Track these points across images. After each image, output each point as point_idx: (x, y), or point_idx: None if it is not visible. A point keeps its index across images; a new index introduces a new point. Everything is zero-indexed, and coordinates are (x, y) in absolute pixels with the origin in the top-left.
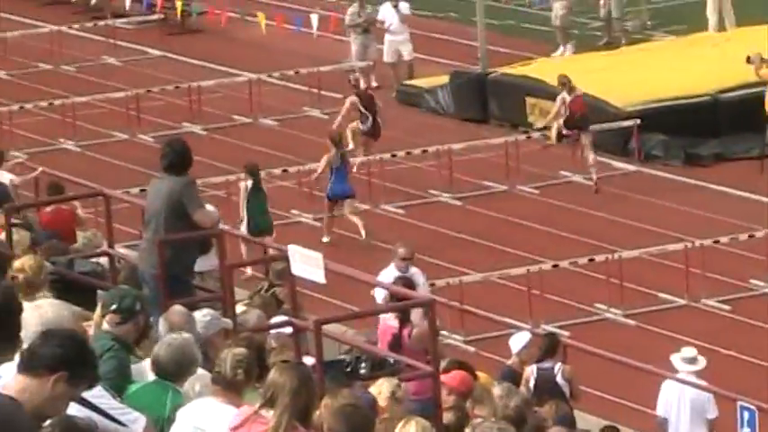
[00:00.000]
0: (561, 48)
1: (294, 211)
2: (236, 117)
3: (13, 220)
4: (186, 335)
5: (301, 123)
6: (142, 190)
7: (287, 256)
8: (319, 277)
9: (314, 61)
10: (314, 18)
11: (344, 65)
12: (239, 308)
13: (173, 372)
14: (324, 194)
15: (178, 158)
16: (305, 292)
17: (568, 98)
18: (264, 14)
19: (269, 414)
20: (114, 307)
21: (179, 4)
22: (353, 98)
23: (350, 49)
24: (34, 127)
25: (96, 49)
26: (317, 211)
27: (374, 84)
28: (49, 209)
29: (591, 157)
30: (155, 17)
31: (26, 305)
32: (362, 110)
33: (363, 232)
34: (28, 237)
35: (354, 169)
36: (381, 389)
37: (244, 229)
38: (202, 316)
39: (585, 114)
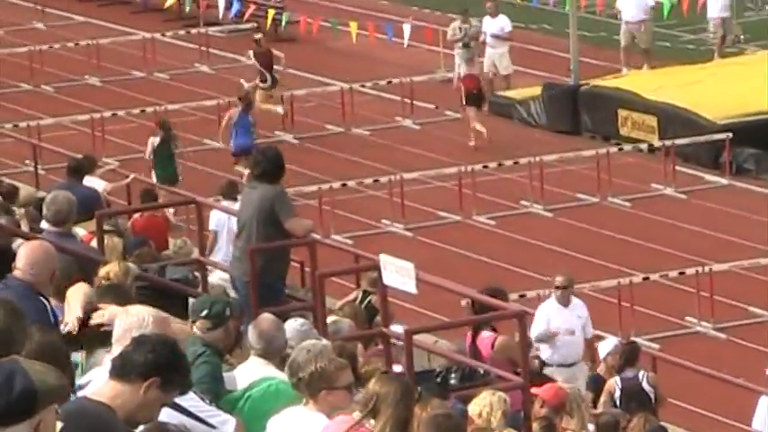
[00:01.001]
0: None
1: (385, 221)
2: (328, 126)
3: (106, 227)
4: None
5: (393, 133)
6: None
7: (378, 265)
8: (411, 287)
9: (406, 71)
10: (406, 28)
11: (437, 75)
12: (331, 317)
13: None
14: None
15: (271, 167)
16: (395, 301)
17: (462, 72)
18: (357, 23)
19: (370, 424)
20: (204, 313)
21: (270, 13)
22: (252, 58)
23: (441, 59)
24: (126, 134)
25: (189, 56)
26: (408, 221)
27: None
28: (141, 216)
29: (478, 126)
30: (247, 25)
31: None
32: (261, 69)
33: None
34: (120, 243)
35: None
36: (488, 402)
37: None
38: (299, 325)
39: (481, 90)
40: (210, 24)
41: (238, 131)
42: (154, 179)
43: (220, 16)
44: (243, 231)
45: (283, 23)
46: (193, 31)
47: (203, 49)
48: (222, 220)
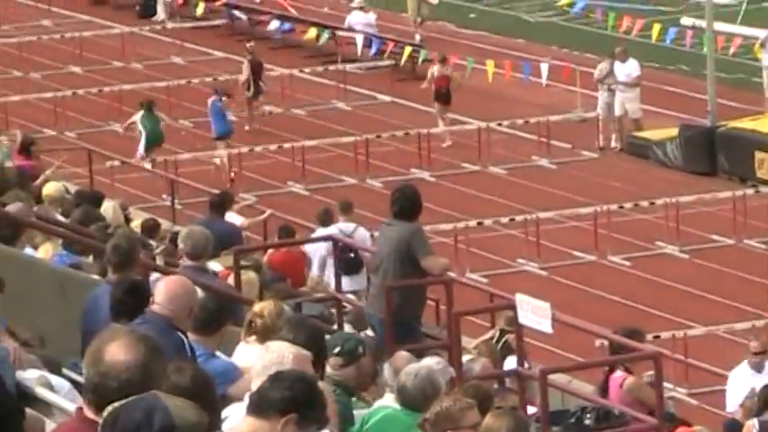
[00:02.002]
0: None
1: (520, 260)
2: (464, 164)
3: (243, 263)
4: (431, 363)
5: (530, 172)
6: (371, 235)
7: (514, 305)
8: (546, 327)
9: (543, 110)
10: (544, 67)
11: (574, 115)
12: (466, 356)
13: (419, 401)
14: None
15: (409, 205)
16: (530, 341)
17: (437, 72)
18: (493, 62)
19: None
20: (337, 350)
21: (407, 50)
22: (246, 65)
23: (578, 98)
24: (264, 169)
25: (327, 93)
26: (543, 260)
27: (615, 144)
28: (278, 251)
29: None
30: (385, 63)
31: (258, 348)
32: (250, 77)
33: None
34: (257, 279)
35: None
36: None
37: (142, 148)
38: (435, 364)
39: (449, 90)
40: (349, 61)
41: (214, 119)
42: (142, 147)
43: (358, 53)
44: (380, 268)
45: (420, 61)
46: (331, 67)
47: (341, 85)
48: (314, 248)
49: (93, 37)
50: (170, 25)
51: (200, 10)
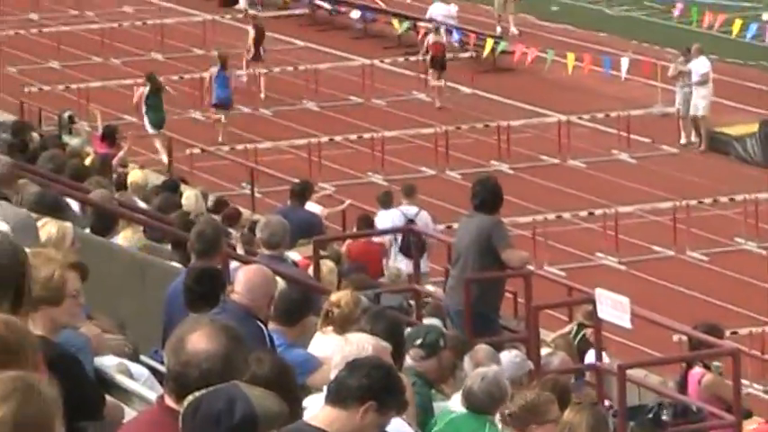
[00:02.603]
0: None
1: (599, 254)
2: (544, 157)
3: (321, 252)
4: (496, 367)
5: (609, 166)
6: (448, 227)
7: (593, 299)
8: (626, 322)
9: (623, 104)
10: (624, 61)
11: (654, 110)
12: (544, 350)
13: (487, 404)
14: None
15: (490, 197)
16: (608, 335)
17: (431, 41)
18: (574, 55)
19: None
20: (418, 342)
21: (489, 42)
22: (252, 31)
23: (659, 93)
24: (343, 159)
25: (407, 83)
26: (622, 254)
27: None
28: (356, 242)
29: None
30: (466, 54)
31: (335, 338)
32: (252, 42)
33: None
34: (335, 269)
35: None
36: None
37: (147, 125)
38: (513, 357)
39: (444, 57)
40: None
41: (218, 85)
42: (146, 124)
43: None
44: (459, 260)
45: (497, 52)
46: (412, 58)
47: (421, 76)
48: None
49: (174, 24)
50: (251, 12)
51: None
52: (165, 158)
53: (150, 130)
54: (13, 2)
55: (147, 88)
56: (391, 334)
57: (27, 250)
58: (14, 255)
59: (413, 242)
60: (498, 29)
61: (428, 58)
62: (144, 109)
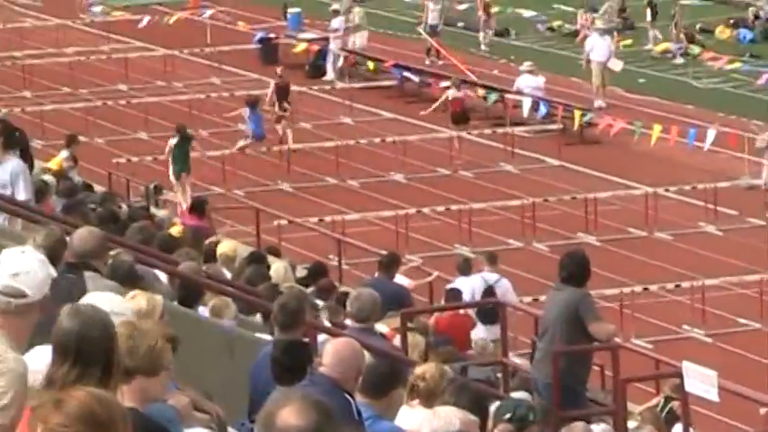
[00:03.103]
0: None
1: (686, 327)
2: (631, 229)
3: (409, 325)
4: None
5: (696, 239)
6: (535, 299)
7: (680, 372)
8: (713, 395)
9: (710, 177)
10: (711, 133)
11: (741, 182)
12: (631, 423)
13: None
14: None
15: (578, 270)
16: (695, 408)
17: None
18: (660, 126)
19: None
20: (508, 416)
21: (577, 114)
22: (272, 86)
23: (746, 165)
24: (430, 231)
25: (495, 155)
26: (709, 327)
27: None
28: (445, 314)
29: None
30: (554, 126)
31: (421, 411)
32: (274, 97)
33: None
34: (422, 342)
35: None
36: None
37: (171, 175)
38: (601, 430)
39: (465, 111)
40: (517, 124)
41: (254, 125)
42: (171, 174)
43: (526, 116)
44: (546, 333)
45: (581, 122)
46: (500, 130)
47: (509, 148)
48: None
49: (261, 95)
50: (339, 85)
51: (371, 66)
52: (184, 204)
53: (173, 180)
54: (103, 73)
55: (176, 139)
56: (476, 407)
57: (120, 321)
58: (105, 328)
59: (496, 313)
60: (599, 102)
61: (450, 113)
62: (171, 159)
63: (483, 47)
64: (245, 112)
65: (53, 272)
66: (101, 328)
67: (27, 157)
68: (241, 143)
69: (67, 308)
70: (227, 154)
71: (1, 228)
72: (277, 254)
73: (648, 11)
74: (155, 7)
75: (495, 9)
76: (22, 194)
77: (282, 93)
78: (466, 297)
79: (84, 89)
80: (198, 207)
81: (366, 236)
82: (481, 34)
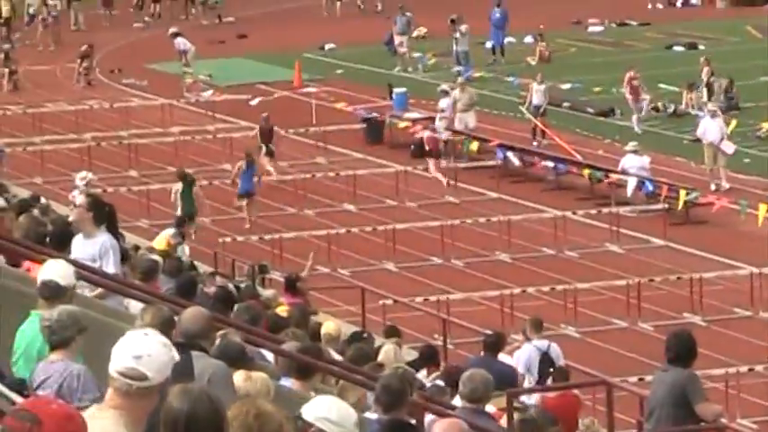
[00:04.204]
0: None
1: None
2: (736, 309)
3: (515, 405)
4: None
5: None
6: (640, 379)
7: None
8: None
9: None
10: None
11: None
12: None
13: None
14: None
15: (684, 351)
16: None
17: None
18: (766, 206)
19: None
20: None
21: (682, 194)
22: (256, 130)
23: None
24: (535, 311)
25: (599, 235)
26: None
27: None
28: (554, 394)
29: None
30: (658, 206)
31: None
32: (259, 140)
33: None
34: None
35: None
36: None
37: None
38: None
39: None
40: (622, 204)
41: (243, 178)
42: (178, 213)
43: (631, 196)
44: (653, 414)
45: (686, 202)
46: (604, 210)
47: (614, 228)
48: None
49: (367, 175)
50: (444, 164)
51: (473, 148)
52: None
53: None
54: (208, 153)
55: (181, 185)
56: None
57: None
58: (214, 408)
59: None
60: (713, 186)
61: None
62: (179, 204)
63: (637, 129)
64: (242, 165)
65: (176, 355)
66: (210, 408)
67: (116, 232)
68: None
69: (177, 388)
70: (332, 234)
71: (113, 309)
72: (397, 334)
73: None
74: (259, 86)
75: (598, 88)
76: (111, 269)
77: (267, 135)
78: (522, 368)
79: (189, 169)
80: (290, 285)
81: (471, 315)
82: (634, 117)
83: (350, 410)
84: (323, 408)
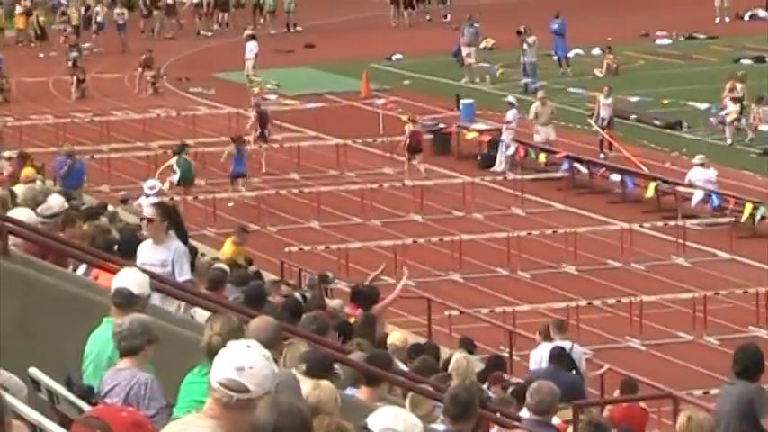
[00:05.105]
0: None
1: None
2: None
3: (581, 417)
4: None
5: None
6: (705, 392)
7: None
8: None
9: None
10: None
11: None
12: None
13: None
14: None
15: (751, 364)
16: None
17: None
18: None
19: None
20: None
21: (747, 207)
22: (254, 115)
23: None
24: (601, 323)
25: (666, 248)
26: None
27: None
28: (620, 406)
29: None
30: (725, 219)
31: None
32: (257, 124)
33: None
34: None
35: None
36: None
37: (175, 180)
38: None
39: (420, 144)
40: (688, 217)
41: (235, 162)
42: (174, 179)
43: (698, 209)
44: (719, 427)
45: (758, 217)
46: (671, 223)
47: (680, 241)
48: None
49: (434, 186)
50: (510, 176)
51: (541, 159)
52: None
53: (176, 185)
54: (275, 162)
55: (176, 158)
56: None
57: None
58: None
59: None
60: None
61: (406, 144)
62: (176, 171)
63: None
64: (232, 149)
65: (276, 368)
66: (298, 420)
67: (185, 238)
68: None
69: (266, 400)
70: (398, 245)
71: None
72: (471, 345)
73: None
74: (327, 96)
75: (665, 101)
76: (184, 275)
77: (263, 120)
78: (536, 364)
79: (256, 178)
80: (356, 295)
81: (537, 327)
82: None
83: (415, 421)
84: (388, 418)
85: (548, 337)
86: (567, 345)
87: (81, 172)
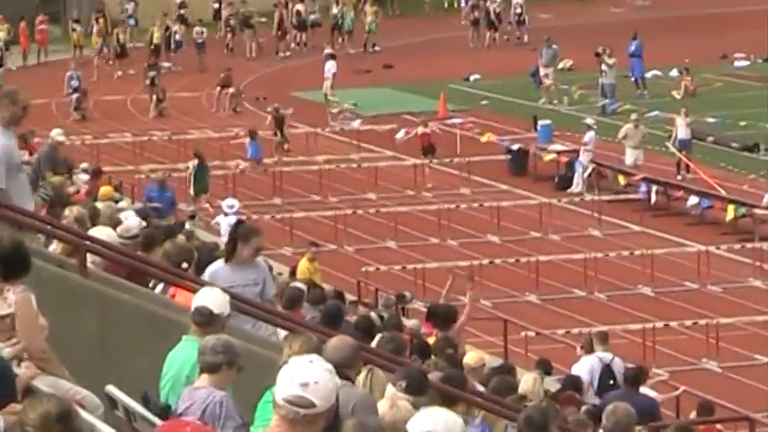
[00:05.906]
0: None
1: None
2: None
3: None
4: None
5: None
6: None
7: None
8: None
9: None
10: None
11: None
12: None
13: None
14: None
15: None
16: None
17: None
18: None
19: None
20: None
21: None
22: (270, 118)
23: None
24: (677, 345)
25: (743, 270)
26: None
27: None
28: (698, 429)
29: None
30: None
31: None
32: (274, 128)
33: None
34: None
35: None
36: None
37: (191, 192)
38: None
39: (431, 145)
40: (766, 239)
41: (252, 147)
42: (191, 191)
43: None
44: None
45: None
46: (748, 245)
47: (757, 263)
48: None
49: (511, 207)
50: (588, 197)
51: (621, 181)
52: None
53: (193, 194)
54: (352, 181)
55: (196, 162)
56: None
57: None
58: None
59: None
60: None
61: (420, 146)
62: (192, 180)
63: None
64: (247, 141)
65: (339, 382)
66: None
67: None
68: (241, 166)
69: (352, 422)
70: (475, 265)
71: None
72: (548, 366)
73: None
74: (405, 117)
75: (743, 123)
76: (271, 292)
77: (279, 123)
78: (584, 377)
79: (333, 197)
80: (432, 315)
81: (613, 348)
82: None
83: (457, 421)
84: (428, 421)
85: (590, 350)
86: (607, 357)
87: (172, 201)
